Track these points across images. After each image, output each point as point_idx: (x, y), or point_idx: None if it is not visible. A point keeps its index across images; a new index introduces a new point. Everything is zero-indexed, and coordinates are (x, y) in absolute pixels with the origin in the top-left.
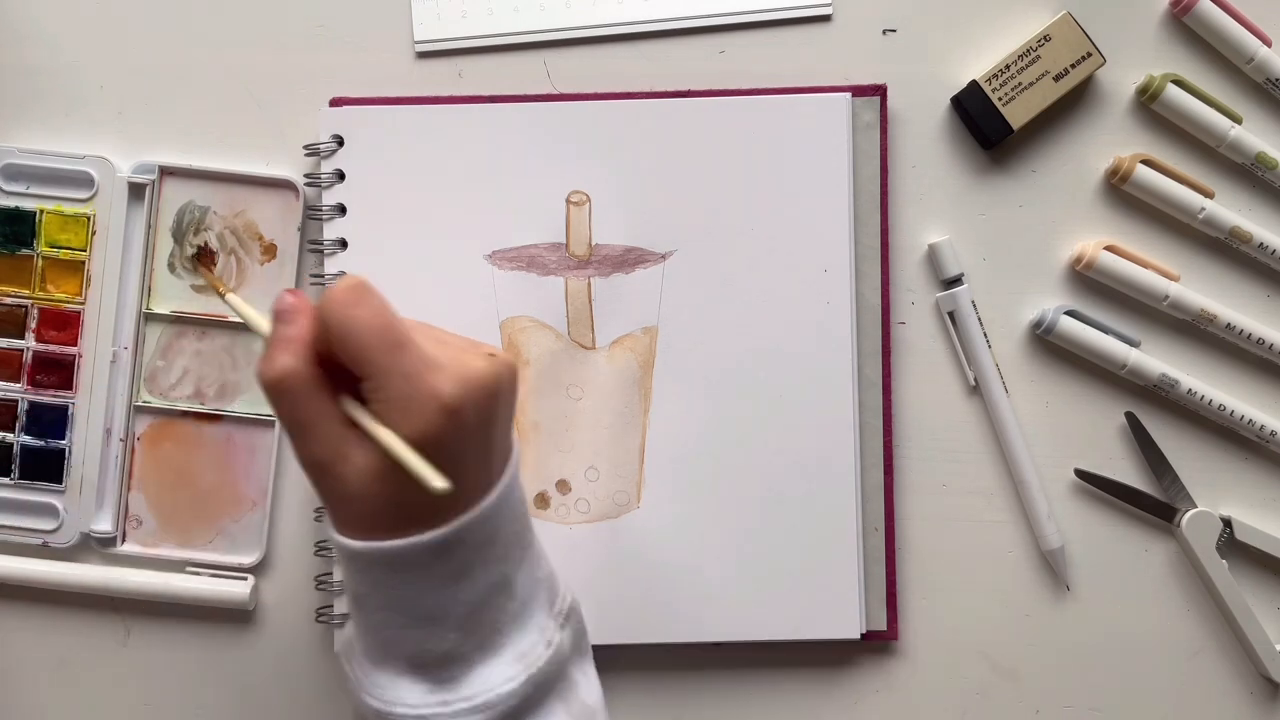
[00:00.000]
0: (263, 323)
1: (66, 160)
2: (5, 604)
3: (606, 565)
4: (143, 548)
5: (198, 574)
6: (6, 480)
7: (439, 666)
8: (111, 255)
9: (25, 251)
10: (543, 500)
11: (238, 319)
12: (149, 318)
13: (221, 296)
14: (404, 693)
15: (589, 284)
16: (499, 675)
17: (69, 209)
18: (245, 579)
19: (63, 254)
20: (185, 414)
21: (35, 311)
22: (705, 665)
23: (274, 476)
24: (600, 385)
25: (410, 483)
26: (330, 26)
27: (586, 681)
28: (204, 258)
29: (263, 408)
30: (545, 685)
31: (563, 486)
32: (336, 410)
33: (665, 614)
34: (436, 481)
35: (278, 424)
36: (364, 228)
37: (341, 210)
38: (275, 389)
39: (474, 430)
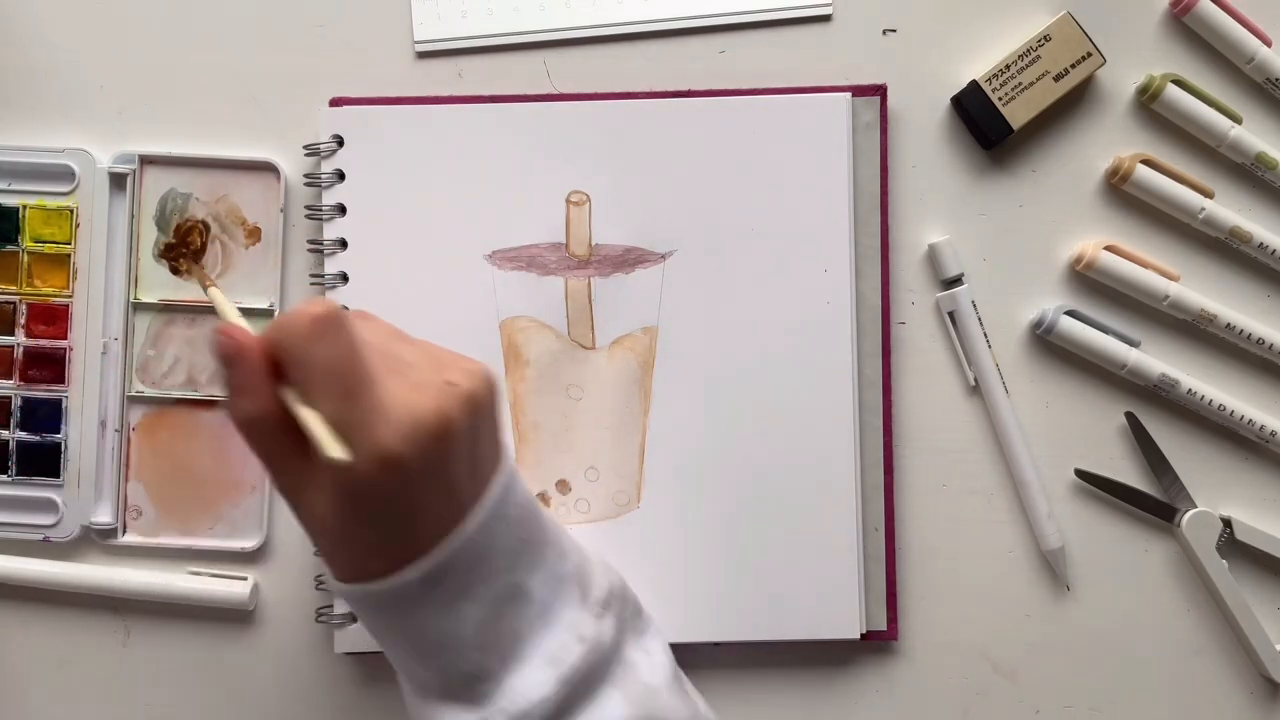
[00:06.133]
0: (247, 327)
1: (46, 154)
2: (5, 604)
3: None
4: (144, 538)
5: (198, 575)
6: (4, 477)
7: (468, 686)
8: (96, 247)
9: (10, 248)
10: (543, 500)
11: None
12: (137, 307)
13: (205, 289)
14: (447, 718)
15: (589, 284)
16: (528, 682)
17: (51, 203)
18: (245, 579)
19: (48, 248)
20: (179, 402)
21: (23, 307)
22: (705, 665)
23: None
24: (600, 385)
25: (367, 513)
26: (330, 26)
27: (647, 659)
28: (188, 245)
29: None
30: (590, 678)
31: (563, 486)
32: (301, 445)
33: (665, 614)
34: (334, 451)
35: None
36: (364, 228)
37: (341, 210)
38: (243, 431)
39: (421, 475)
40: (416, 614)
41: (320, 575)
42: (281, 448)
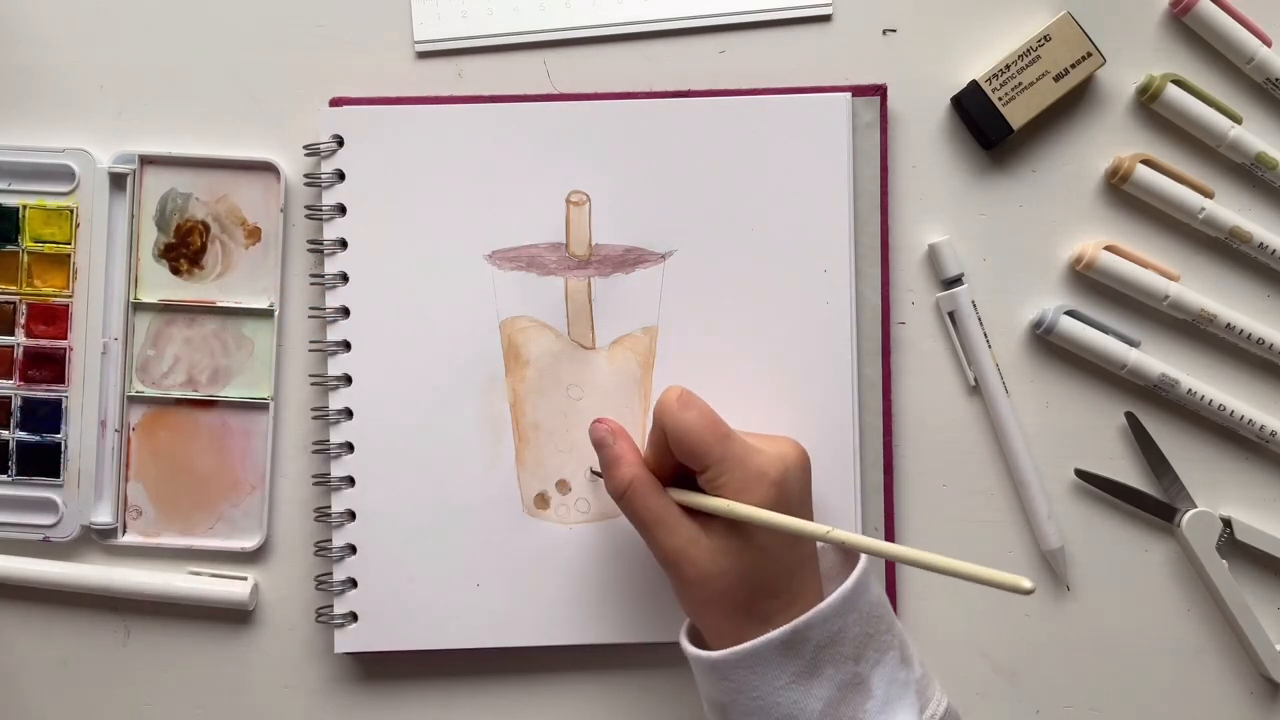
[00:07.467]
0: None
1: (46, 154)
2: (6, 604)
3: (606, 565)
4: (144, 538)
5: (198, 575)
6: (4, 477)
7: None
8: (96, 247)
9: (10, 248)
10: (543, 500)
11: (226, 304)
12: (137, 307)
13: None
14: None
15: (589, 284)
16: None
17: (51, 203)
18: (245, 579)
19: (48, 248)
20: (179, 402)
21: (23, 307)
22: None
23: (271, 459)
24: (600, 385)
25: (751, 552)
26: (330, 26)
27: None
28: (188, 245)
29: (256, 391)
30: None
31: (563, 486)
32: (677, 506)
33: (666, 614)
34: (1024, 583)
35: (272, 407)
36: (364, 228)
37: (341, 210)
38: (625, 494)
39: (796, 502)
40: (773, 681)
41: (320, 575)
42: (658, 506)
